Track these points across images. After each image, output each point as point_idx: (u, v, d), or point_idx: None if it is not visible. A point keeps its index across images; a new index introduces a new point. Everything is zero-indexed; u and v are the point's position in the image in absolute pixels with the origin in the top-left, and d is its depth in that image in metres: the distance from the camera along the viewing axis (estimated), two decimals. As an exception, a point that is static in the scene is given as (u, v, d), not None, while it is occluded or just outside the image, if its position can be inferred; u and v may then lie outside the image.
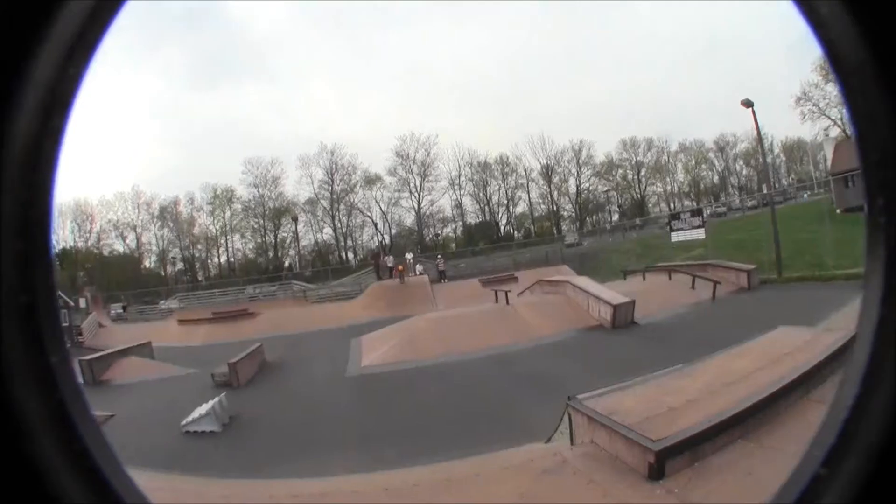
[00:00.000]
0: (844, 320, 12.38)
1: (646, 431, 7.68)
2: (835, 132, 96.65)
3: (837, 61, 1.18)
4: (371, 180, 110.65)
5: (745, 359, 10.80)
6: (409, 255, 70.51)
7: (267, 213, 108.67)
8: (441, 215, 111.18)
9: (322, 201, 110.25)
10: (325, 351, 29.92)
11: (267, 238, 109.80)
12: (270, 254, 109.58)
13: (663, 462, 7.13)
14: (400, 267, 45.06)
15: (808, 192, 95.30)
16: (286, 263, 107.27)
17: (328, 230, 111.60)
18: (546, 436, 10.55)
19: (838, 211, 65.76)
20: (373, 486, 8.34)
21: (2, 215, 1.17)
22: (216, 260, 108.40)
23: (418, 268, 62.89)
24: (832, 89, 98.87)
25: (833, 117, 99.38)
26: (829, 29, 1.18)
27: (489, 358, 22.54)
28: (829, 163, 77.68)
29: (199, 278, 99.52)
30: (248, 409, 18.86)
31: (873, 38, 1.12)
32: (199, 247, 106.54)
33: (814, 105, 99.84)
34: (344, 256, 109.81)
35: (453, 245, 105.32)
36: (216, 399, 18.00)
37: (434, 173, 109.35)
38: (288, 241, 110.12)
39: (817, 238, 38.52)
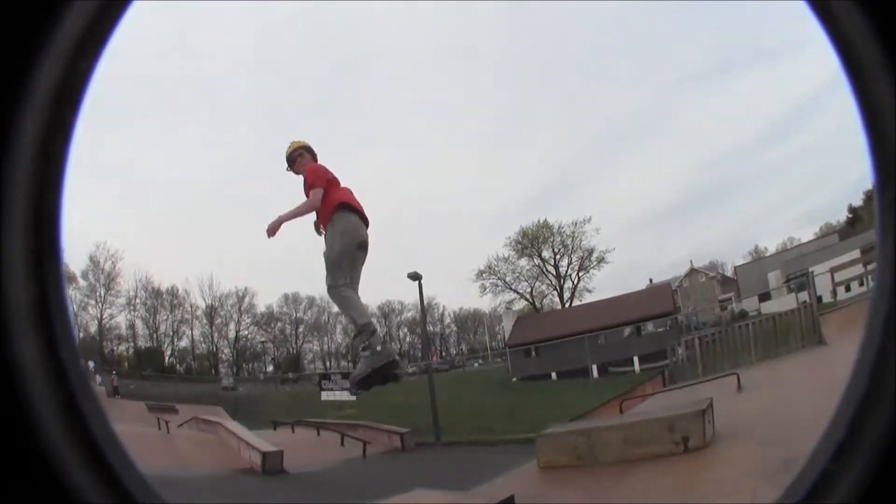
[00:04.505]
0: (501, 483, 12.53)
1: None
2: (519, 304, 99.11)
3: (849, 58, 1.20)
4: (70, 278, 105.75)
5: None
6: (91, 363, 68.05)
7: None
8: (118, 332, 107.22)
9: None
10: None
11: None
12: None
13: None
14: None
15: (480, 361, 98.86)
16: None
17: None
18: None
19: (514, 379, 69.53)
20: None
21: (14, 210, 1.17)
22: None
23: (98, 378, 60.60)
24: (525, 263, 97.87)
25: (521, 291, 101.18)
26: (840, 26, 1.20)
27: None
28: (507, 334, 79.63)
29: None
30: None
31: (885, 35, 1.14)
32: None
33: (498, 279, 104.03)
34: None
35: (126, 364, 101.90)
36: None
37: (116, 288, 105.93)
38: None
39: (489, 404, 39.27)
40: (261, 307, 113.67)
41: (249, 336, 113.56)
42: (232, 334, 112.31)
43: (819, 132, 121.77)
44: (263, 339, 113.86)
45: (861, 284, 33.33)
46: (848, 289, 39.30)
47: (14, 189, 1.16)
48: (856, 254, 51.00)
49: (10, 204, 1.16)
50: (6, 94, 1.14)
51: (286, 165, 9.63)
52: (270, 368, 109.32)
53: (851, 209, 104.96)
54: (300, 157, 9.55)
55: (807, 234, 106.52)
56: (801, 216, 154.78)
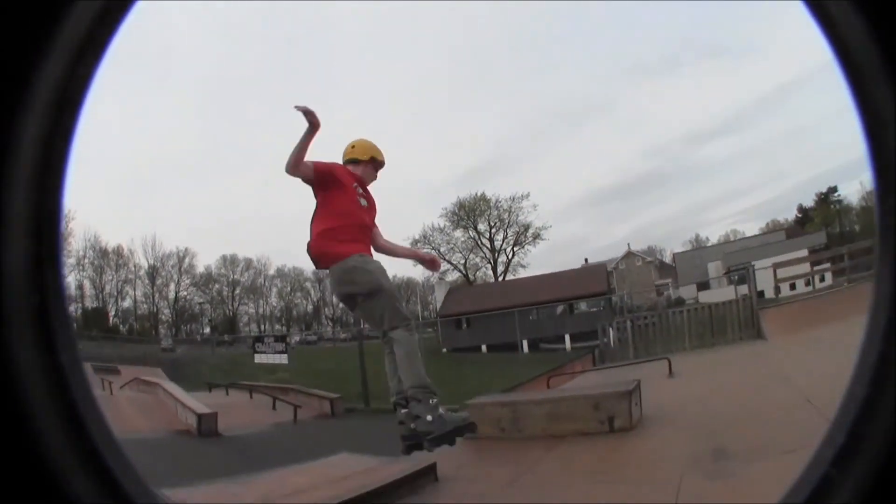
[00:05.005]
0: (424, 452, 12.23)
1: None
2: (452, 276, 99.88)
3: (848, 61, 1.19)
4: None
5: (305, 476, 10.64)
6: None
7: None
8: (68, 292, 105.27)
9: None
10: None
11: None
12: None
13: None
14: None
15: None
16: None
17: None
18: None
19: (444, 350, 69.52)
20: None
21: (14, 215, 1.17)
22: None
23: None
24: (460, 235, 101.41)
25: (454, 262, 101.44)
26: (839, 29, 1.19)
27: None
28: (438, 305, 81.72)
29: None
30: None
31: (884, 38, 1.12)
32: None
33: (433, 248, 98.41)
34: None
35: (74, 325, 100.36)
36: None
37: (68, 248, 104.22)
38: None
39: None
40: (200, 268, 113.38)
41: (188, 297, 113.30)
42: (172, 295, 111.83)
43: (773, 132, 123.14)
44: (201, 300, 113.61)
45: (807, 284, 33.35)
46: (793, 287, 39.48)
47: (14, 195, 1.15)
48: (803, 253, 51.75)
49: (10, 210, 1.15)
50: (6, 100, 1.13)
51: (365, 158, 7.41)
52: (207, 330, 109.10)
53: (802, 209, 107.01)
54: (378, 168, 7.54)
55: (752, 229, 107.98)
56: (747, 211, 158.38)
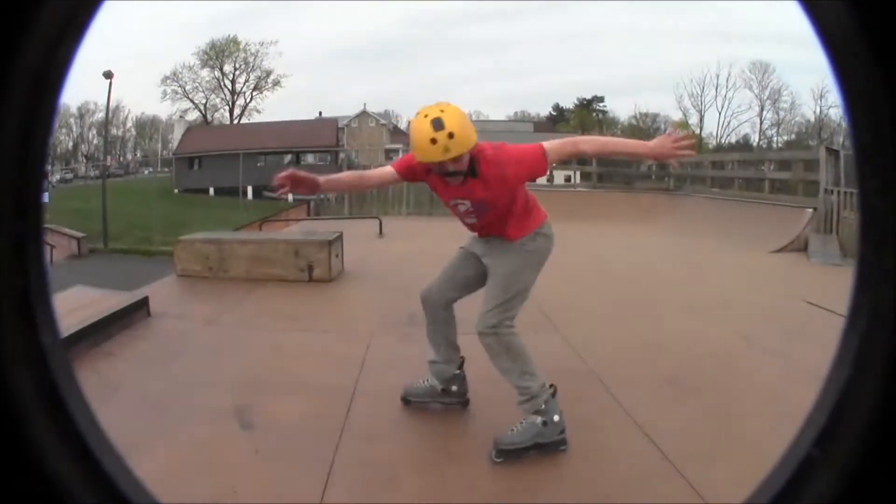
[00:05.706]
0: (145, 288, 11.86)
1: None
2: (194, 115, 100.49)
3: (829, 39, 1.20)
4: None
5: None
6: None
7: None
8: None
9: None
10: None
11: None
12: None
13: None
14: None
15: (150, 169, 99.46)
16: None
17: None
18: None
19: (176, 191, 68.81)
20: None
21: None
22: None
23: None
24: (206, 74, 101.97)
25: (196, 101, 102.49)
26: (832, 30, 1.19)
27: None
28: (175, 143, 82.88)
29: None
30: None
31: (862, 15, 1.12)
32: None
33: (180, 86, 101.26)
34: None
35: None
36: None
37: None
38: None
39: (151, 214, 39.76)
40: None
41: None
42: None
43: (548, 32, 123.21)
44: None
45: (549, 180, 34.47)
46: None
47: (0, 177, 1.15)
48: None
49: None
50: None
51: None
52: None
53: (558, 108, 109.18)
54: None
55: (499, 115, 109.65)
56: (496, 97, 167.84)
